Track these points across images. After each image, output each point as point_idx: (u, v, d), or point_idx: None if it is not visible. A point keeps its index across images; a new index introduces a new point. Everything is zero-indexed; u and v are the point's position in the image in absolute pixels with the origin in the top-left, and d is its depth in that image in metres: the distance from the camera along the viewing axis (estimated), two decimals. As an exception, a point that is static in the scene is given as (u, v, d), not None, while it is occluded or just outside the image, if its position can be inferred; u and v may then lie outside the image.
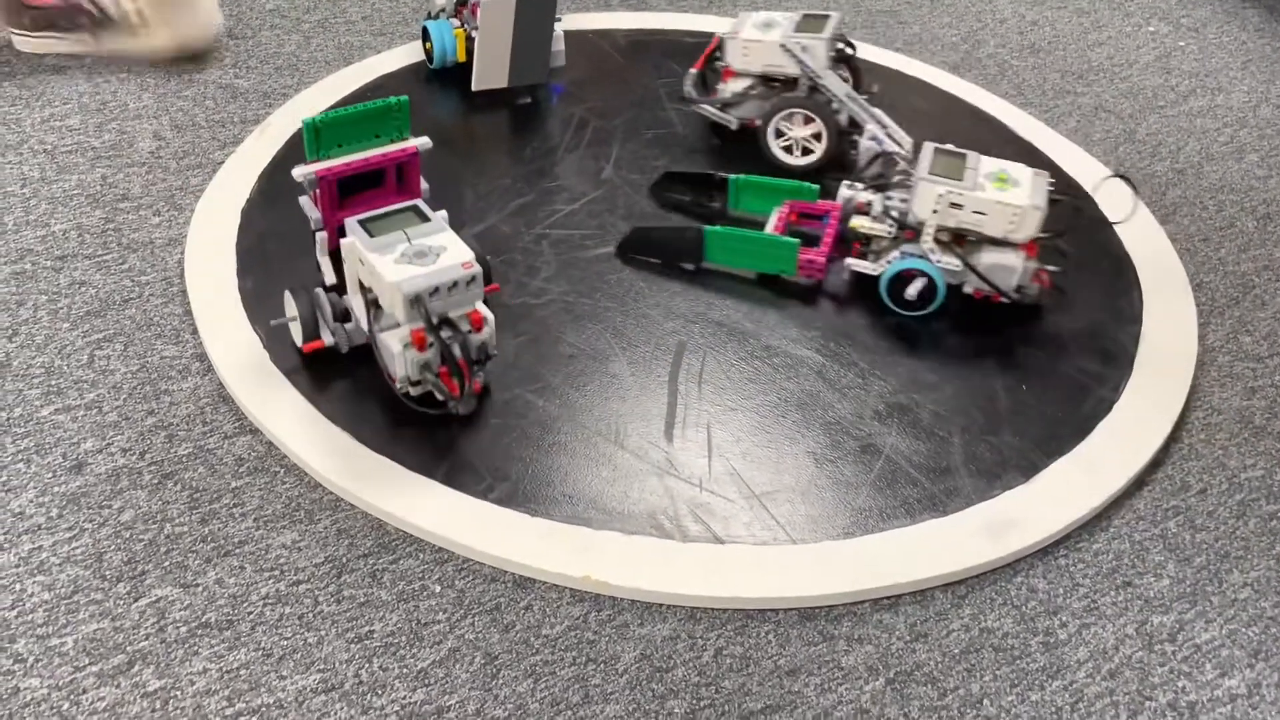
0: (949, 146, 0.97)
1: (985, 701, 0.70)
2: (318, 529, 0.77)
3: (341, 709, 0.67)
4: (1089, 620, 0.75)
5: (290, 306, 0.87)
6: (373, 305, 0.81)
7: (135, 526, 0.76)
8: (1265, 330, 1.00)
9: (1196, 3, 1.54)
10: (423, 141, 0.88)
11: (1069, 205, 0.99)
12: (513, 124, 1.17)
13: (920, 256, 0.94)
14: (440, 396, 0.83)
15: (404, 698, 0.68)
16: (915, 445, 0.85)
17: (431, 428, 0.83)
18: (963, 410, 0.88)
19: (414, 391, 0.83)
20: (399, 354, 0.80)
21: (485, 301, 0.82)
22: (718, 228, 0.99)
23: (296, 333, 0.88)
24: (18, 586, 0.72)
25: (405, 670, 0.69)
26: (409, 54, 1.29)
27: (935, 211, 0.92)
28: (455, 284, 0.77)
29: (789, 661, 0.71)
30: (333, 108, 0.93)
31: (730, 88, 1.13)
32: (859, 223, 0.97)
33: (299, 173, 0.84)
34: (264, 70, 1.25)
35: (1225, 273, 1.07)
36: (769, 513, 0.80)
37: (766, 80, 1.12)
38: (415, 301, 0.76)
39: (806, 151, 1.11)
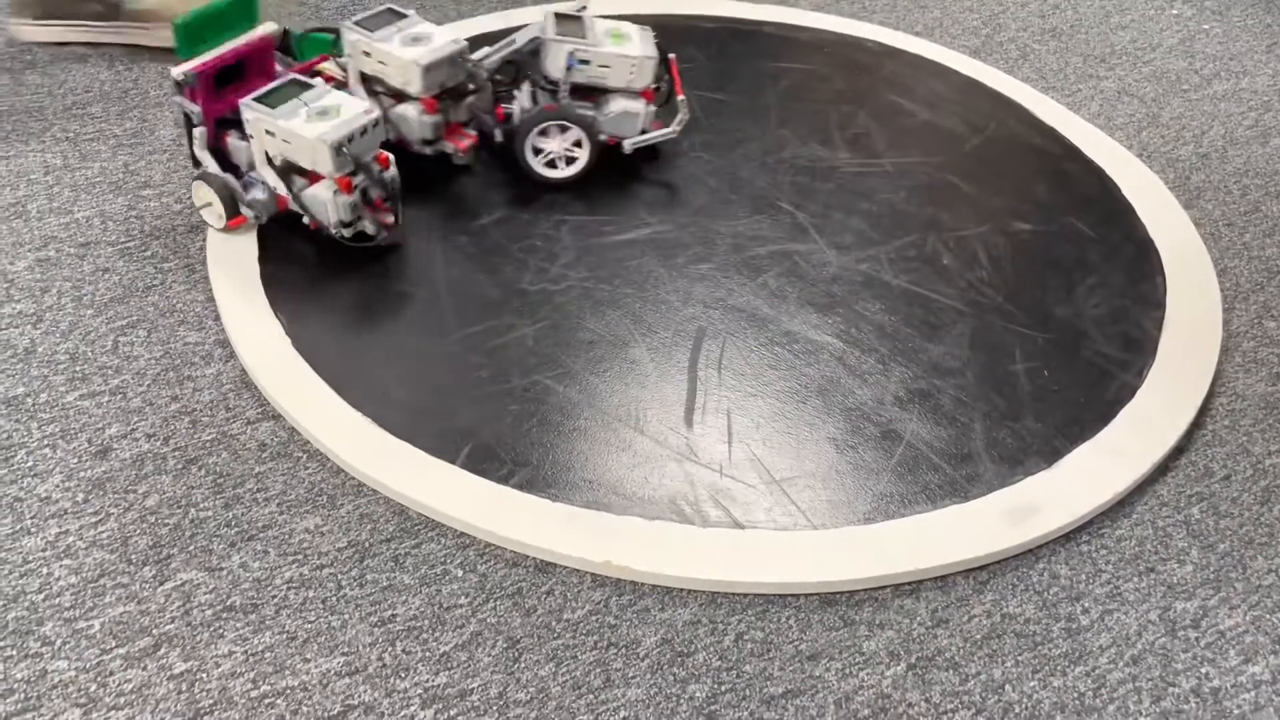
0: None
1: (1007, 687, 0.70)
2: (340, 514, 0.77)
3: (365, 692, 0.67)
4: (1111, 606, 0.75)
5: (202, 194, 0.95)
6: (287, 171, 0.92)
7: (160, 511, 0.77)
8: (1291, 315, 0.99)
9: (1221, -15, 1.52)
10: (273, 27, 0.95)
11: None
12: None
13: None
14: (373, 230, 0.94)
15: (427, 681, 0.68)
16: (936, 431, 0.85)
17: (453, 413, 0.84)
18: (984, 396, 0.88)
19: (347, 233, 0.94)
20: (330, 200, 0.91)
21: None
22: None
23: (212, 216, 0.96)
24: (45, 570, 0.73)
25: (428, 654, 0.69)
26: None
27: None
28: (365, 129, 0.89)
29: (810, 646, 0.72)
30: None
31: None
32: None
33: (178, 71, 0.90)
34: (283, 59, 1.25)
35: (1250, 258, 1.06)
36: (789, 498, 0.80)
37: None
38: (339, 150, 0.87)
39: (570, 161, 1.06)
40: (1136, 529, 0.80)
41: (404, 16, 1.00)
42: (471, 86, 1.02)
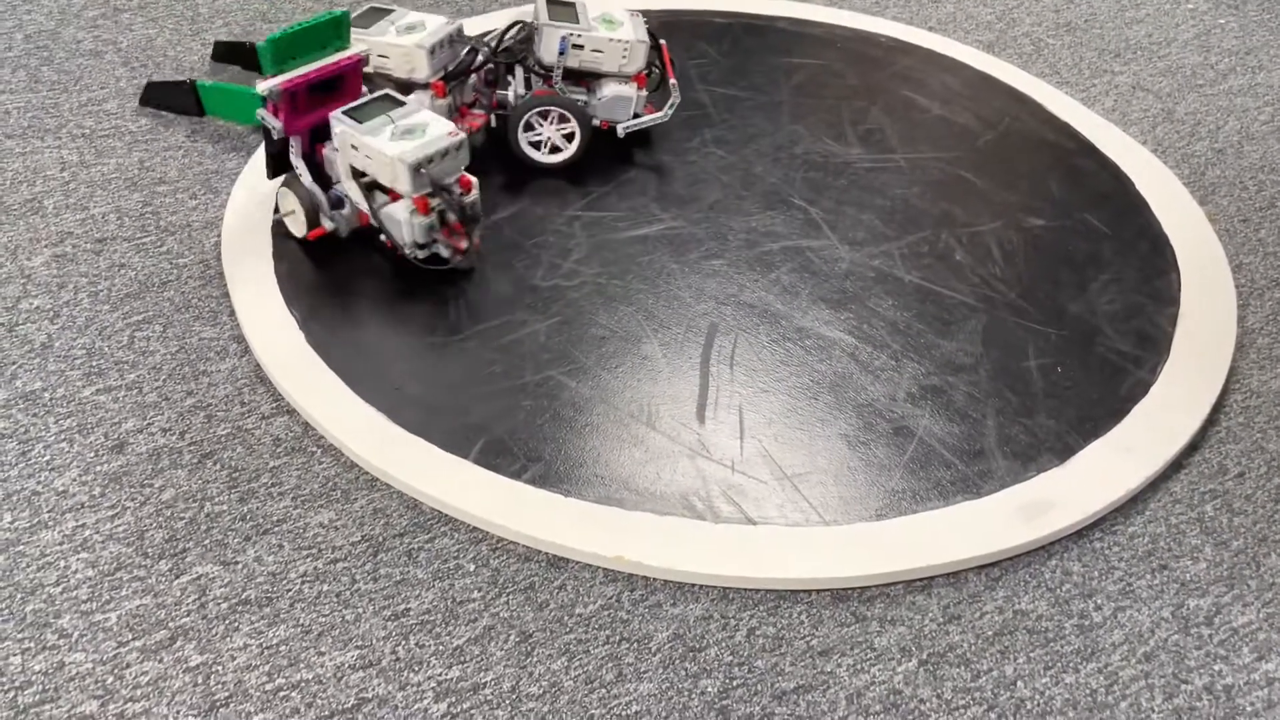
0: None
1: (1019, 683, 0.70)
2: (354, 508, 0.78)
3: (379, 685, 0.68)
4: (1124, 603, 0.75)
5: (288, 201, 0.95)
6: (370, 187, 0.92)
7: (176, 505, 0.78)
8: (1306, 312, 0.99)
9: (1237, -21, 1.51)
10: (364, 49, 0.96)
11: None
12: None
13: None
14: (446, 254, 0.93)
15: (440, 674, 0.68)
16: (949, 427, 0.85)
17: (466, 408, 0.84)
18: (996, 392, 0.88)
19: (421, 255, 0.93)
20: (405, 220, 0.90)
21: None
22: (208, 82, 1.10)
23: (296, 225, 0.96)
24: (62, 563, 0.74)
25: (441, 647, 0.70)
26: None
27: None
28: (447, 151, 0.89)
29: (821, 642, 0.72)
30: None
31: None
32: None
33: (263, 86, 0.90)
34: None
35: (1265, 254, 1.05)
36: (801, 494, 0.80)
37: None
38: (417, 170, 0.87)
39: (555, 150, 1.07)
40: (1150, 526, 0.80)
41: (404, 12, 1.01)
42: (479, 61, 1.04)
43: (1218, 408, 0.89)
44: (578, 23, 1.03)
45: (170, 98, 1.14)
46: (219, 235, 1.00)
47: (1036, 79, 1.27)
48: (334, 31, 0.93)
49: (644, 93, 1.07)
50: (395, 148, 0.87)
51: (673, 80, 1.08)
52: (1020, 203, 1.07)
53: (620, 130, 1.07)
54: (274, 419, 0.84)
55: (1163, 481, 0.83)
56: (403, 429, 0.82)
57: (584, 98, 1.06)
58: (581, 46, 1.03)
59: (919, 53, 1.29)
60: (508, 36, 1.07)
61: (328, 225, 0.95)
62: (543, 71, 1.05)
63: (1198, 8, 1.45)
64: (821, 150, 1.13)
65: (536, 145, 1.07)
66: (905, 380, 0.89)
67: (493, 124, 1.08)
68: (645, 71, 1.07)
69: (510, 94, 1.06)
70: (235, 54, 1.22)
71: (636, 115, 1.08)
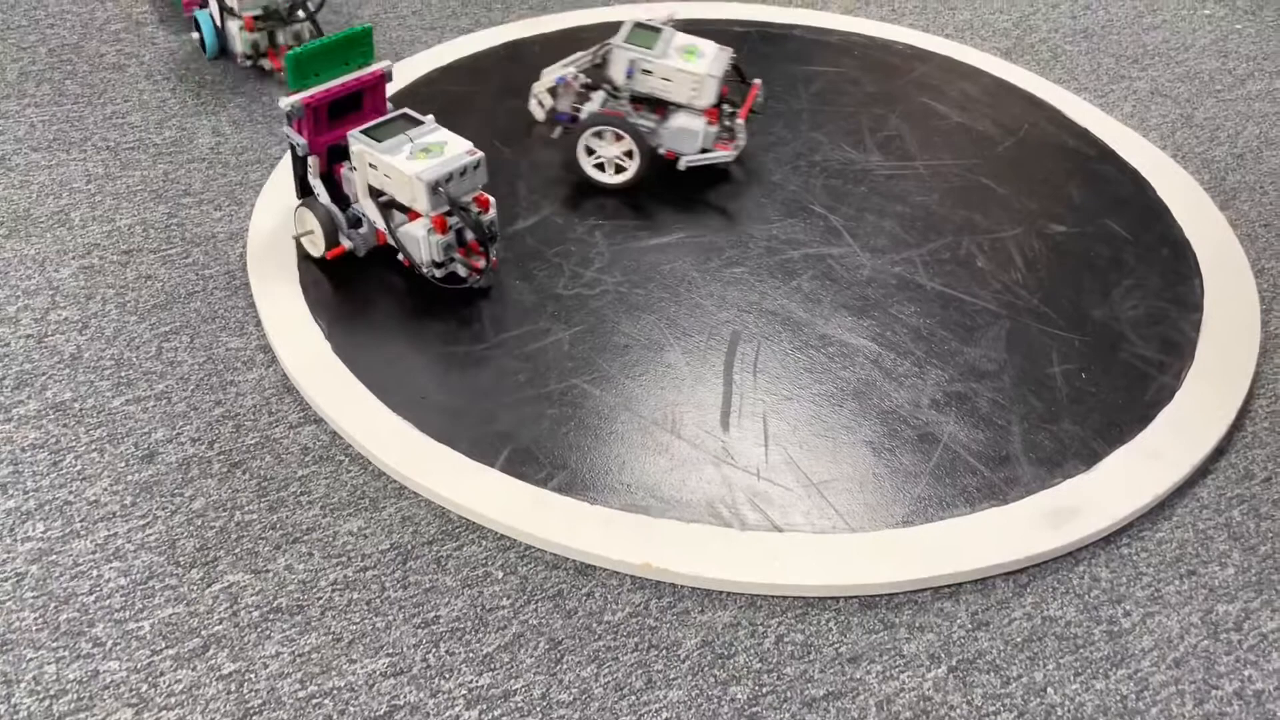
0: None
1: (1049, 690, 0.70)
2: (383, 516, 0.78)
3: (410, 692, 0.68)
4: (1153, 609, 0.75)
5: (305, 222, 0.96)
6: (387, 206, 0.92)
7: (206, 514, 0.78)
8: (1330, 316, 0.99)
9: (1254, -17, 1.51)
10: (386, 64, 0.94)
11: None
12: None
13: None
14: (464, 273, 0.93)
15: (471, 681, 0.69)
16: (974, 434, 0.85)
17: (491, 417, 0.84)
18: (1021, 398, 0.88)
19: (439, 273, 0.92)
20: (423, 239, 0.90)
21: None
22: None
23: (314, 245, 0.96)
24: (95, 572, 0.74)
25: (471, 655, 0.70)
26: (457, 49, 1.30)
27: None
28: (465, 169, 0.88)
29: (850, 649, 0.72)
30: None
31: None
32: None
33: (285, 102, 0.90)
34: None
35: (1288, 258, 1.05)
36: (827, 501, 0.80)
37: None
38: (435, 188, 0.86)
39: (619, 169, 1.07)
40: (1177, 531, 0.80)
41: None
42: None
43: (1243, 413, 0.89)
44: (653, 48, 1.03)
45: None
46: (244, 246, 1.01)
47: (1054, 85, 1.27)
48: (358, 47, 0.93)
49: (714, 128, 1.05)
50: (413, 166, 0.87)
51: (741, 120, 1.06)
52: (1041, 209, 1.07)
53: (682, 163, 1.06)
54: (302, 428, 0.85)
55: (1189, 487, 0.83)
56: (429, 437, 0.82)
57: (651, 124, 1.05)
58: (650, 73, 1.03)
59: (936, 60, 1.30)
60: (594, 56, 1.07)
61: (346, 244, 0.95)
62: (614, 93, 1.06)
63: (1214, 13, 1.45)
64: (841, 157, 1.13)
65: (601, 167, 1.07)
66: (929, 387, 0.89)
67: (555, 136, 1.09)
68: (717, 106, 1.05)
69: (585, 110, 1.06)
70: None
71: (704, 150, 1.05)
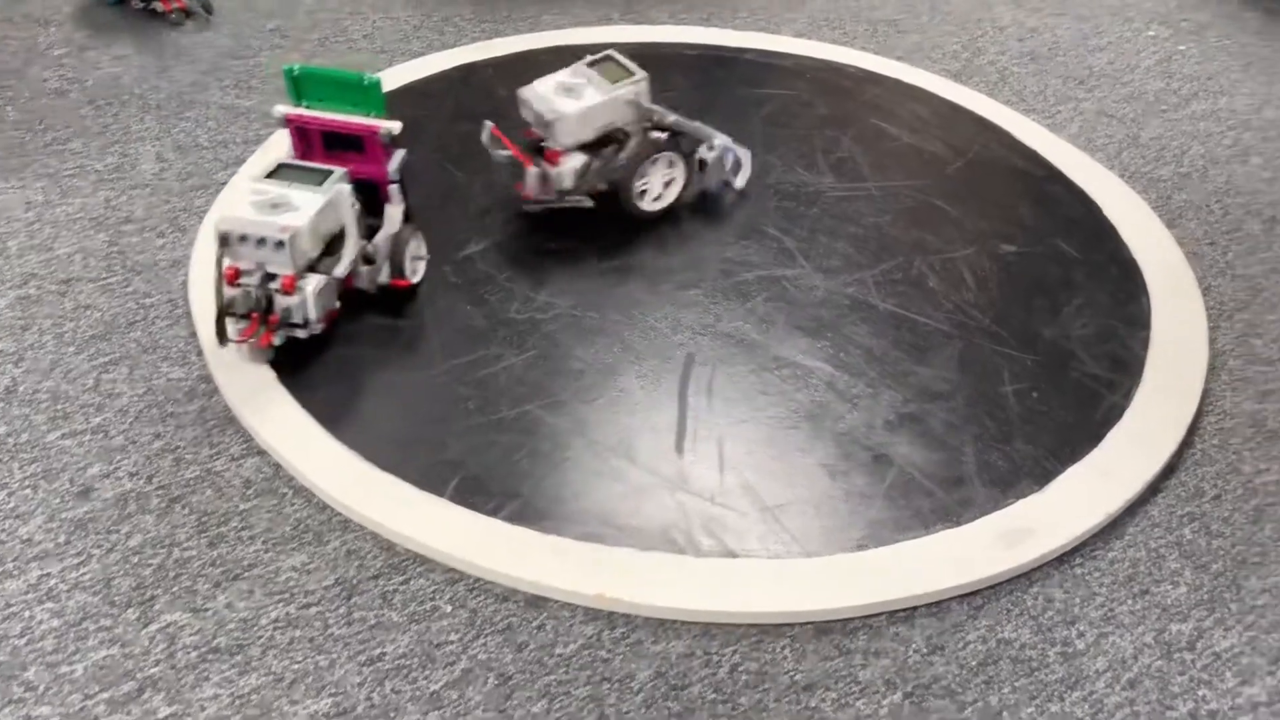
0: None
1: (1004, 714, 0.69)
2: (327, 550, 0.76)
3: (355, 733, 0.66)
4: (1107, 629, 0.74)
5: None
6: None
7: (144, 551, 0.76)
8: (1275, 333, 1.00)
9: (1197, 6, 1.54)
10: (387, 126, 0.90)
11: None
12: (515, 139, 1.17)
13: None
14: (224, 333, 0.85)
15: (418, 720, 0.67)
16: (927, 455, 0.85)
17: (440, 445, 0.83)
18: (974, 419, 0.88)
19: (231, 329, 0.85)
20: (213, 279, 0.85)
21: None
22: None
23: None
24: (27, 614, 0.72)
25: (418, 693, 0.68)
26: (409, 72, 1.29)
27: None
28: (264, 240, 0.82)
29: (805, 677, 0.71)
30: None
31: (567, 168, 1.00)
32: None
33: (277, 111, 0.90)
34: (266, 90, 1.25)
35: (1233, 276, 1.06)
36: (782, 525, 0.79)
37: (596, 143, 1.02)
38: (223, 240, 0.82)
39: (658, 196, 1.06)
40: (1129, 550, 0.80)
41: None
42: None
43: (1192, 430, 0.89)
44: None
45: None
46: (186, 274, 0.99)
47: (1003, 106, 1.28)
48: (365, 94, 0.90)
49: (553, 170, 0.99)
50: (234, 209, 0.83)
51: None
52: (992, 229, 1.08)
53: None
54: (244, 460, 0.82)
55: (1141, 505, 0.83)
56: (376, 467, 0.81)
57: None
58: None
59: (887, 82, 1.31)
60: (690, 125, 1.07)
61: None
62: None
63: (1159, 35, 1.48)
64: (794, 180, 1.13)
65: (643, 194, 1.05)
66: (883, 408, 0.89)
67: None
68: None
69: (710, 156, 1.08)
70: None
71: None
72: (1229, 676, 0.72)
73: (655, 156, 1.03)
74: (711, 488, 0.82)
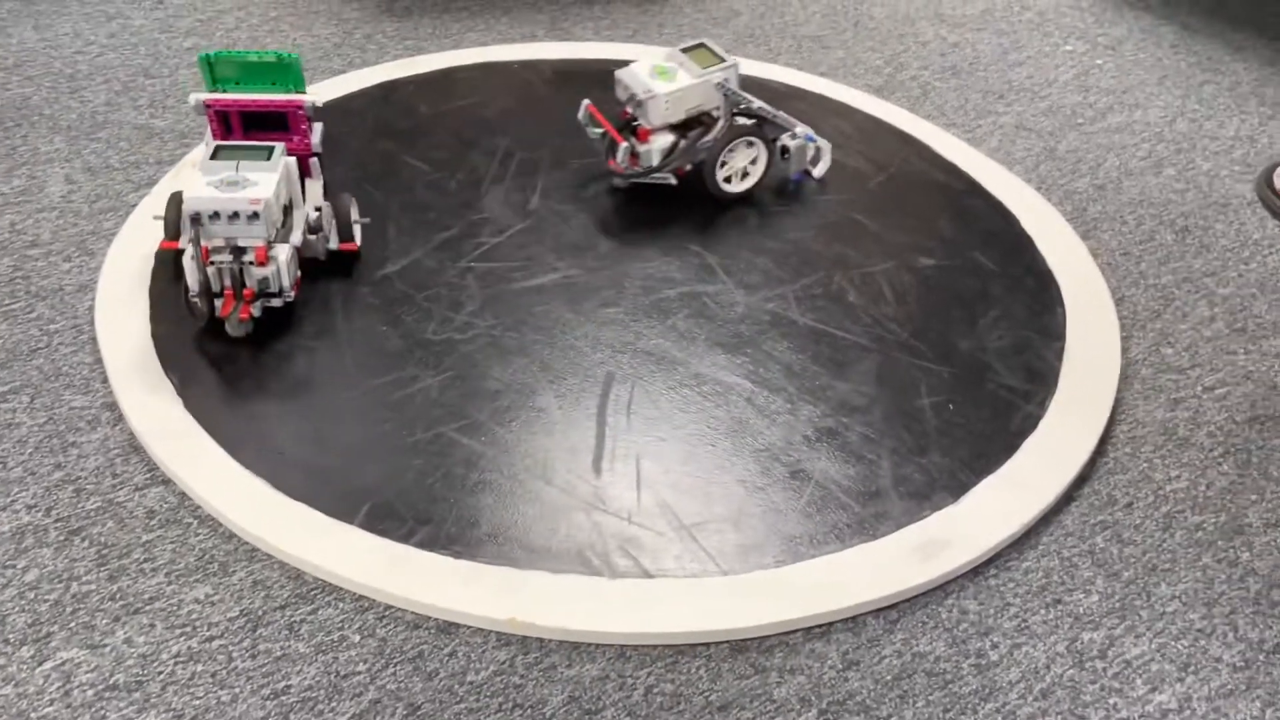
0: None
1: (918, 728, 0.69)
2: (232, 581, 0.74)
3: (256, 770, 0.64)
4: (1020, 640, 0.75)
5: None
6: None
7: (40, 586, 0.73)
8: (1186, 342, 1.02)
9: (1113, 21, 1.58)
10: (311, 99, 0.94)
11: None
12: (437, 157, 1.16)
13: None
14: (202, 313, 0.87)
15: (322, 754, 0.65)
16: (845, 469, 0.85)
17: (352, 471, 0.81)
18: (891, 432, 0.88)
19: (200, 305, 0.87)
20: (187, 261, 0.86)
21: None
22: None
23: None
24: (-87, 656, 0.69)
25: (324, 725, 0.67)
26: (330, 89, 1.27)
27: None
28: (237, 214, 0.84)
29: (720, 697, 0.70)
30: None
31: (656, 146, 1.07)
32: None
33: (193, 99, 0.92)
34: (180, 110, 1.23)
35: (1146, 286, 1.08)
36: (699, 544, 0.79)
37: (685, 125, 1.09)
38: (194, 220, 0.84)
39: (744, 176, 1.12)
40: (1043, 560, 0.81)
41: None
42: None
43: (1105, 439, 0.90)
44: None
45: None
46: (93, 299, 0.96)
47: (924, 121, 1.30)
48: (289, 73, 0.93)
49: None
50: (196, 190, 0.85)
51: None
52: (911, 243, 1.09)
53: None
54: (148, 490, 0.80)
55: (1054, 515, 0.84)
56: (285, 495, 0.79)
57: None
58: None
59: (811, 98, 1.32)
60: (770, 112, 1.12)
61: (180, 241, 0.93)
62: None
63: (1076, 50, 1.51)
64: (728, 196, 1.13)
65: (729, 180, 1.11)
66: (801, 423, 0.89)
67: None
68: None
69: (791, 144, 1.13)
70: None
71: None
72: (1139, 684, 0.73)
73: (737, 140, 1.08)
74: (629, 507, 0.81)
